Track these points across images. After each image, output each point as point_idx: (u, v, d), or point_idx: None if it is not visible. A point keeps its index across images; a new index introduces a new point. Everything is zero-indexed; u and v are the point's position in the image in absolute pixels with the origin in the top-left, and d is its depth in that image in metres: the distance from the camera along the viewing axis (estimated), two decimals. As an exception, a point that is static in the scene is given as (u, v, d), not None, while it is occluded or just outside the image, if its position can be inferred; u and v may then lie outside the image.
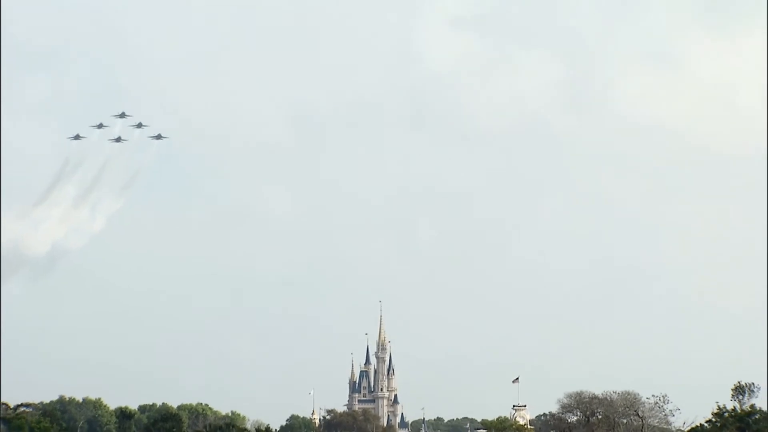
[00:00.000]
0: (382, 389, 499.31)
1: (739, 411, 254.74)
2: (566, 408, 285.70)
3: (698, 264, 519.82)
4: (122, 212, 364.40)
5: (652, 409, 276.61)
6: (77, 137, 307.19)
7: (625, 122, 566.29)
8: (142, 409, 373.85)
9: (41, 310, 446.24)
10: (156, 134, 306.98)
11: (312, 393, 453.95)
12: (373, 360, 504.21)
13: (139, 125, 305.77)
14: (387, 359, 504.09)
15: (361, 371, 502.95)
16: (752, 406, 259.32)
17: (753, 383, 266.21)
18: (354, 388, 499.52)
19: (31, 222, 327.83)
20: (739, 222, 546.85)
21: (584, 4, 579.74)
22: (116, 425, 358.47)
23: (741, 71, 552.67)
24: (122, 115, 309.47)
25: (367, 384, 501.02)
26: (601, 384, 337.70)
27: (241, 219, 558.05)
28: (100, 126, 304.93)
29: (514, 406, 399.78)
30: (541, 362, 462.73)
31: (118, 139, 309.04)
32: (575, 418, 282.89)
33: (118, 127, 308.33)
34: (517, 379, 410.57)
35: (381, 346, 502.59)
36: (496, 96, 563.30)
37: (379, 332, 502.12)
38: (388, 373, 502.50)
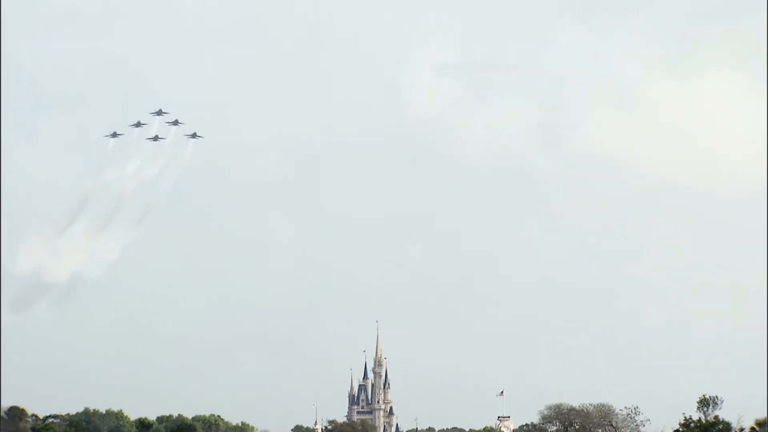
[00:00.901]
0: (378, 402, 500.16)
1: (704, 422, 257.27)
2: (546, 419, 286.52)
3: (662, 286, 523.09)
4: (137, 242, 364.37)
5: (624, 420, 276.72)
6: (114, 135, 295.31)
7: (593, 158, 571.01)
8: (160, 419, 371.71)
9: (65, 332, 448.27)
10: (191, 132, 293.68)
11: (315, 405, 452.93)
12: (370, 375, 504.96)
13: (176, 122, 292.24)
14: (383, 374, 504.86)
15: (359, 385, 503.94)
16: (716, 417, 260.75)
17: (717, 396, 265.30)
18: (353, 400, 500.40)
19: (52, 251, 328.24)
20: (697, 247, 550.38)
21: (555, 52, 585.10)
22: None
23: (698, 111, 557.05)
24: (159, 113, 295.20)
25: (365, 397, 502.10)
26: (578, 397, 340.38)
27: (247, 247, 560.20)
28: (138, 125, 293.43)
29: (499, 417, 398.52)
30: (524, 377, 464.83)
31: (156, 138, 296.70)
32: (555, 428, 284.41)
33: (156, 125, 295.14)
34: (502, 392, 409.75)
35: (378, 363, 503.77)
36: (477, 135, 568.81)
37: (376, 350, 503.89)
38: (384, 387, 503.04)
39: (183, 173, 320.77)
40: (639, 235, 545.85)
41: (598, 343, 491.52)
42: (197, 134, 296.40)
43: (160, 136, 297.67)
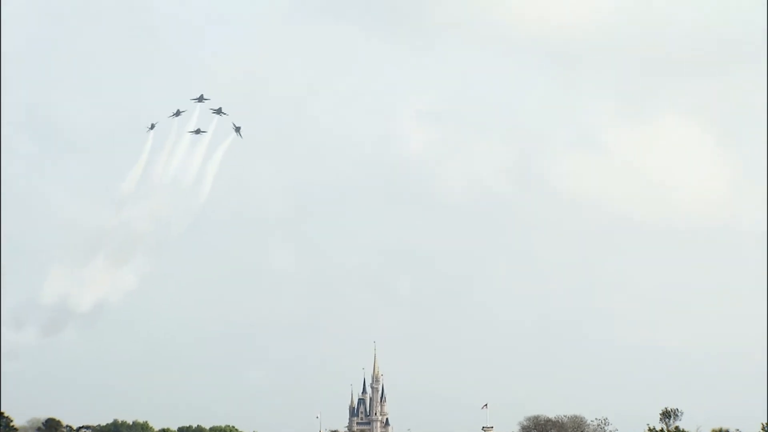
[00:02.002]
0: (376, 413, 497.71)
1: (666, 431, 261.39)
2: (526, 429, 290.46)
3: (625, 310, 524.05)
4: (154, 273, 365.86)
5: (595, 430, 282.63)
6: (152, 127, 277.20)
7: (561, 196, 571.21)
8: (181, 429, 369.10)
9: (93, 352, 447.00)
10: (237, 127, 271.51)
11: (319, 416, 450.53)
12: (368, 390, 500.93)
13: (219, 111, 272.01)
14: (380, 389, 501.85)
15: (359, 399, 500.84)
16: (676, 427, 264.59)
17: (677, 409, 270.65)
18: (353, 412, 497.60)
19: (76, 282, 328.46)
20: (655, 276, 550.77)
21: (526, 102, 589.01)
22: None
23: (653, 153, 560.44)
24: (200, 99, 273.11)
25: (363, 409, 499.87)
26: (553, 409, 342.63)
27: (254, 276, 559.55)
28: (178, 113, 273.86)
29: (483, 427, 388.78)
30: (505, 391, 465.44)
31: (198, 131, 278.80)
32: None
33: (196, 114, 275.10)
34: (486, 405, 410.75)
35: (375, 379, 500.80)
36: (456, 175, 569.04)
37: (374, 367, 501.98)
38: (381, 401, 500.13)
39: (196, 213, 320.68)
40: (602, 264, 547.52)
41: (570, 361, 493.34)
42: (239, 129, 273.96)
43: (202, 129, 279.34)
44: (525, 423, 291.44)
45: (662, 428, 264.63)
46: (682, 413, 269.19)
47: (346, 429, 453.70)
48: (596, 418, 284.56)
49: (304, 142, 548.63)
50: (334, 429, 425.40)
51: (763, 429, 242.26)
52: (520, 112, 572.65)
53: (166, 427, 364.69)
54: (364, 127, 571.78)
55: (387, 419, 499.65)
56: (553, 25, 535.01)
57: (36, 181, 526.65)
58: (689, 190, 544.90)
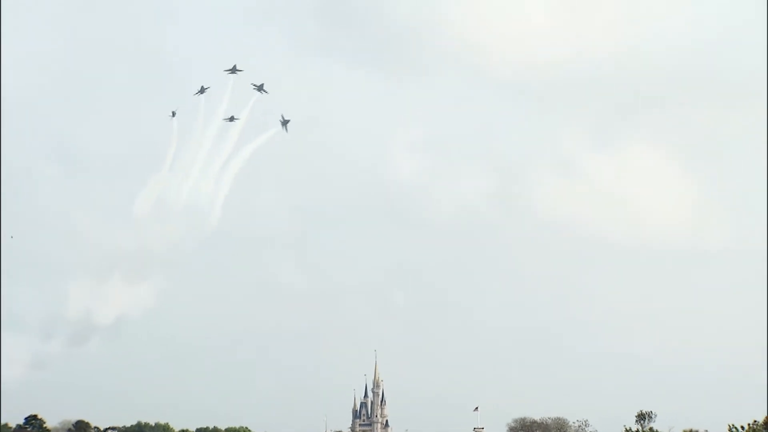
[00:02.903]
0: (377, 416, 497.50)
1: None
2: (513, 430, 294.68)
3: (602, 322, 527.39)
4: (170, 288, 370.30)
5: (577, 430, 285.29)
6: (174, 114, 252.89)
7: (541, 219, 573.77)
8: (199, 430, 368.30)
9: (117, 360, 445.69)
10: (285, 120, 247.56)
11: (325, 419, 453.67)
12: (370, 394, 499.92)
13: (261, 88, 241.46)
14: (380, 394, 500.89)
15: (361, 402, 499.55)
16: (651, 428, 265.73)
17: (651, 411, 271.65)
18: (356, 415, 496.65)
19: (98, 297, 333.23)
20: (628, 291, 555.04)
21: (507, 131, 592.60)
22: None
23: (626, 178, 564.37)
24: (233, 70, 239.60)
25: (365, 412, 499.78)
26: (538, 411, 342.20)
27: (262, 291, 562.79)
28: (202, 90, 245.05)
29: (474, 428, 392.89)
30: (494, 395, 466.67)
31: (231, 119, 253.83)
32: None
33: (227, 93, 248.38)
34: (477, 408, 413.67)
35: (376, 384, 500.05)
36: (444, 198, 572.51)
37: (375, 373, 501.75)
38: (381, 404, 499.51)
39: (207, 233, 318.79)
40: (579, 279, 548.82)
41: (553, 367, 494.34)
42: (286, 121, 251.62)
43: (235, 117, 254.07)
44: (513, 424, 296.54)
45: (638, 429, 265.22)
46: (656, 415, 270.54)
47: (350, 430, 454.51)
48: (577, 420, 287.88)
49: (307, 168, 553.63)
50: (338, 430, 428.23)
51: (729, 429, 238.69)
52: (502, 142, 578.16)
53: (185, 428, 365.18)
54: (360, 155, 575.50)
55: (387, 421, 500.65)
56: (532, 63, 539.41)
57: (61, 204, 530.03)
58: (657, 212, 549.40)
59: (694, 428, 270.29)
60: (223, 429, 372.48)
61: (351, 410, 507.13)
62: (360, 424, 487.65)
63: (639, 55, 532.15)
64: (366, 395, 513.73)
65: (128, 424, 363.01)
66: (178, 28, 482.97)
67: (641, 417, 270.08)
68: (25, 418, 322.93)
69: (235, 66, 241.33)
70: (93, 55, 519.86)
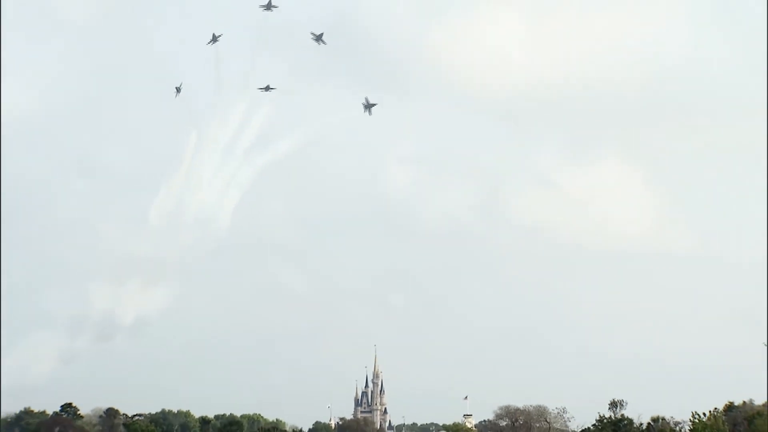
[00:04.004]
0: (376, 404, 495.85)
1: (614, 418, 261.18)
2: (499, 416, 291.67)
3: (577, 319, 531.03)
4: (185, 290, 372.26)
5: (555, 417, 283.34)
6: (179, 90, 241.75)
7: (521, 227, 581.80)
8: (217, 417, 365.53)
9: (141, 355, 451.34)
10: (369, 104, 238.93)
11: (330, 407, 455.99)
12: (370, 384, 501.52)
13: (320, 38, 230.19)
14: (380, 384, 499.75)
15: (362, 392, 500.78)
16: (622, 415, 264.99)
17: (623, 399, 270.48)
18: (357, 403, 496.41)
19: (119, 299, 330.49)
20: (601, 290, 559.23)
21: (489, 148, 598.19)
22: (199, 429, 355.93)
23: (596, 190, 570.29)
24: (269, 6, 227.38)
25: (366, 400, 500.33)
26: (521, 400, 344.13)
27: (268, 293, 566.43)
28: (215, 39, 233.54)
29: (464, 414, 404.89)
30: (482, 386, 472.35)
31: (267, 88, 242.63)
32: (504, 423, 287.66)
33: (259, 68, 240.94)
34: (466, 397, 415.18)
35: (376, 375, 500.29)
36: (432, 208, 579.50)
37: (374, 366, 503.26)
38: (381, 393, 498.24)
39: (218, 241, 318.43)
40: (556, 281, 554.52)
41: (534, 361, 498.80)
42: (371, 105, 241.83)
43: (271, 86, 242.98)
44: (498, 411, 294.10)
45: (610, 416, 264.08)
46: (626, 403, 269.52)
47: (352, 416, 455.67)
48: (556, 408, 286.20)
49: (309, 183, 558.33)
50: (342, 416, 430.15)
51: (692, 416, 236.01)
52: (485, 158, 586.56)
53: (204, 415, 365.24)
54: (357, 171, 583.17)
55: (385, 408, 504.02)
56: (510, 88, 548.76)
57: (84, 213, 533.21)
58: (623, 220, 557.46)
59: (660, 415, 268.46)
60: (238, 416, 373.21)
61: (353, 399, 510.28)
62: (361, 411, 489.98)
63: (606, 82, 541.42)
64: (367, 385, 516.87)
65: (153, 412, 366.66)
66: (189, 57, 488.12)
67: (613, 405, 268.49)
68: (61, 406, 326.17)
69: (270, 1, 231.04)
70: (111, 78, 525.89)
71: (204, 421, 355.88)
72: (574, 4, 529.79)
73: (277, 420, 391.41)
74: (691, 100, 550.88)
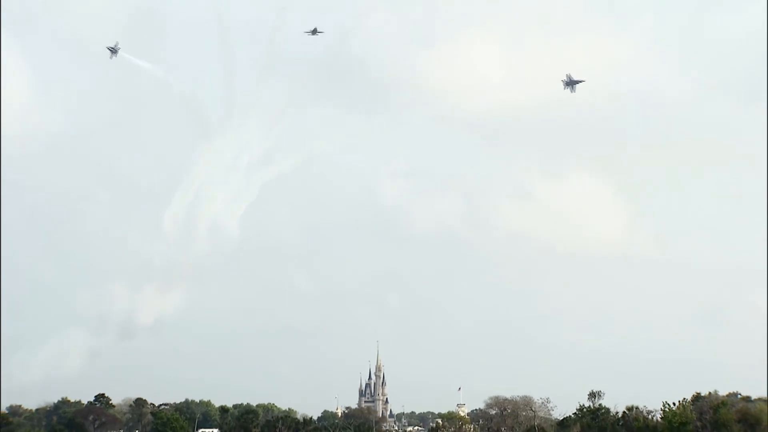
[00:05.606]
0: (378, 394, 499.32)
1: (592, 408, 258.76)
2: (489, 406, 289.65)
3: (558, 318, 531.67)
4: (199, 292, 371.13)
5: (540, 407, 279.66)
6: (114, 51, 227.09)
7: (502, 234, 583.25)
8: (235, 406, 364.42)
9: (163, 350, 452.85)
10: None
11: (337, 397, 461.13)
12: (373, 377, 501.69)
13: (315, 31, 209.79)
14: (382, 376, 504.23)
15: (366, 383, 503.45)
16: (600, 404, 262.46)
17: (601, 390, 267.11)
18: (362, 393, 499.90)
19: (138, 303, 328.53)
20: (577, 291, 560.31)
21: (473, 163, 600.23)
22: (219, 417, 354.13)
23: (570, 200, 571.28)
24: (314, 32, 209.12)
25: (369, 391, 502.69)
26: (509, 390, 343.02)
27: (277, 293, 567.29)
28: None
29: (457, 404, 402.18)
30: (474, 378, 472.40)
31: (314, 31, 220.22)
32: (494, 411, 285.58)
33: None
34: (460, 388, 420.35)
35: (378, 368, 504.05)
36: (423, 216, 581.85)
37: (377, 360, 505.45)
38: (383, 385, 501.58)
39: (230, 247, 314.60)
40: (536, 283, 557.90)
41: (520, 355, 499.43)
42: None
43: (319, 30, 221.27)
44: (488, 401, 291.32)
45: (589, 405, 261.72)
46: (604, 394, 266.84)
47: (357, 406, 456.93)
48: (541, 398, 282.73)
49: (313, 194, 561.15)
50: (348, 405, 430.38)
51: (663, 405, 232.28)
52: (469, 171, 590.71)
53: (224, 404, 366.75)
54: (354, 182, 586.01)
55: (387, 398, 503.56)
56: (491, 107, 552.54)
57: (107, 222, 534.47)
58: (595, 228, 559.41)
59: (634, 404, 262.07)
60: (254, 405, 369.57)
61: (358, 390, 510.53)
62: (365, 401, 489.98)
63: (578, 102, 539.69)
64: (370, 378, 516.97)
65: (177, 401, 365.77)
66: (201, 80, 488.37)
67: (592, 395, 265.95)
68: (95, 396, 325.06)
69: (315, 28, 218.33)
70: (131, 101, 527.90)
71: (223, 409, 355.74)
72: (548, 32, 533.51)
73: (289, 409, 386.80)
74: (654, 118, 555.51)
